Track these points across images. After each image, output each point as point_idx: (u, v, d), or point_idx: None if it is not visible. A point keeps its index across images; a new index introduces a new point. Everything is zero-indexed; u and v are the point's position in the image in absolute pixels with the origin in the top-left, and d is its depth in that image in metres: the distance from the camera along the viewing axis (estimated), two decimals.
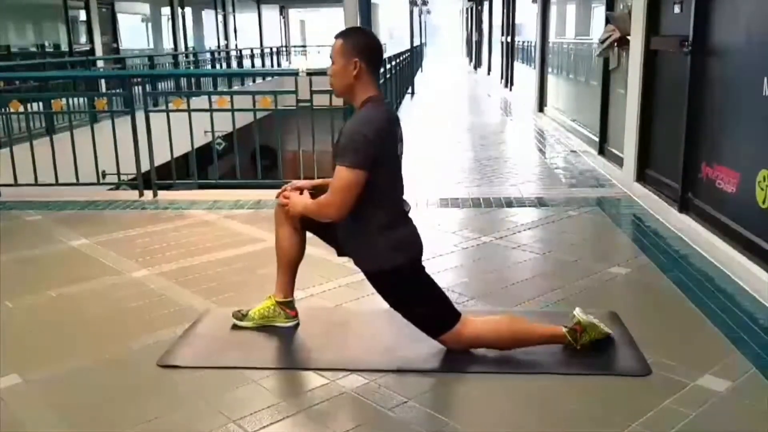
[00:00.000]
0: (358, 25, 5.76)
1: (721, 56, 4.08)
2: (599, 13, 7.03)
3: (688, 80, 4.31)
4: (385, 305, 3.30)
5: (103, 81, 9.72)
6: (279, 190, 2.96)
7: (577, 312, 2.82)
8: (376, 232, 2.69)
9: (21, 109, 6.18)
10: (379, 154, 2.61)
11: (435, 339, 2.76)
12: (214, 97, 6.01)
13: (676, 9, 4.66)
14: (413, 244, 2.78)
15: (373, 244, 2.71)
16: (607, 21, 6.23)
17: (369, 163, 2.58)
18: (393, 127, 2.72)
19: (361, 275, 3.67)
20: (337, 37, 2.73)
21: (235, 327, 3.04)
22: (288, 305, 3.05)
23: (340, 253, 2.95)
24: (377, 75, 2.76)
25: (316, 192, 2.83)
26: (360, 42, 2.69)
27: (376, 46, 2.74)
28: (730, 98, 3.92)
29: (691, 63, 4.28)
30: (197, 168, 6.07)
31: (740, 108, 3.78)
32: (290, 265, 3.01)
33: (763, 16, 3.59)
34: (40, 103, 7.42)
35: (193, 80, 14.57)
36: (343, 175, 2.59)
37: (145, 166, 5.69)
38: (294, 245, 2.97)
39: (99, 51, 16.17)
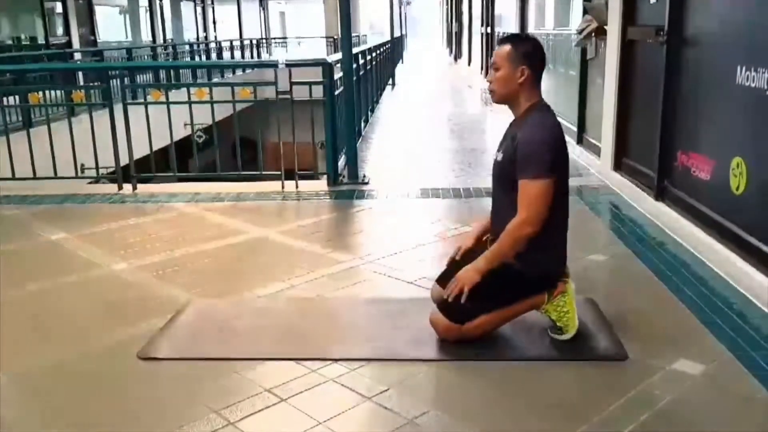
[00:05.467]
0: (344, 17, 5.72)
1: (695, 45, 4.13)
2: (577, 4, 7.06)
3: (663, 69, 4.36)
4: (366, 295, 3.34)
5: (80, 74, 9.58)
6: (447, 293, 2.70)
7: (571, 283, 2.83)
8: (557, 235, 2.72)
9: None
10: (558, 159, 2.62)
11: (454, 323, 2.72)
12: (193, 90, 5.99)
13: None
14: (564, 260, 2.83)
15: (551, 248, 2.73)
16: (585, 11, 6.27)
17: (554, 169, 2.59)
18: (563, 132, 2.72)
19: (343, 265, 3.73)
20: (503, 42, 2.73)
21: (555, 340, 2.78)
22: (549, 289, 2.79)
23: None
24: (540, 80, 2.75)
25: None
26: (528, 49, 2.70)
27: (542, 54, 2.74)
28: (705, 87, 3.97)
29: (667, 52, 4.33)
30: (177, 161, 6.05)
31: (715, 96, 3.83)
32: (511, 310, 2.77)
33: (737, 5, 3.64)
34: (17, 97, 7.33)
35: (172, 73, 14.43)
36: (534, 186, 2.57)
37: (124, 160, 5.66)
38: (489, 315, 2.73)
39: (76, 44, 16.00)
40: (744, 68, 3.39)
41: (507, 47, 2.70)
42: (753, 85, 3.31)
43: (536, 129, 2.63)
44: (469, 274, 2.66)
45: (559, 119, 2.75)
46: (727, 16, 3.74)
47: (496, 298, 2.73)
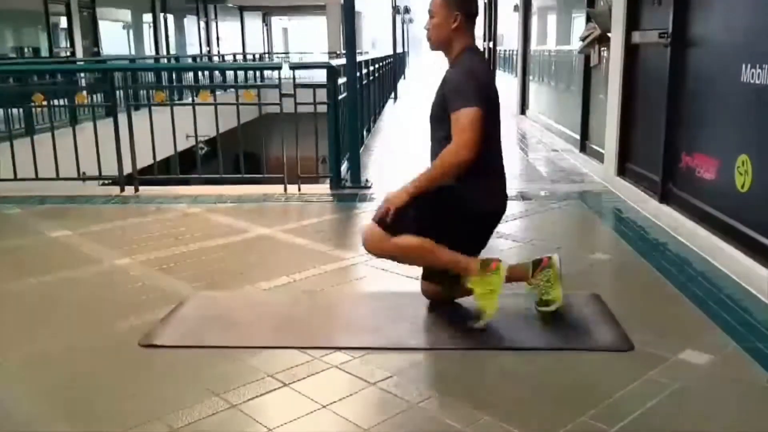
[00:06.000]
0: (348, 24, 5.74)
1: (700, 46, 4.14)
2: (578, 23, 7.11)
3: (667, 72, 4.37)
4: (368, 289, 3.33)
5: (83, 82, 9.62)
6: (374, 216, 2.79)
7: (554, 257, 2.87)
8: (491, 171, 2.79)
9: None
10: (484, 92, 2.70)
11: (386, 231, 2.74)
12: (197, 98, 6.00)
13: (655, 2, 4.72)
14: (506, 195, 2.92)
15: (480, 186, 2.76)
16: (588, 19, 6.31)
17: (483, 103, 2.66)
18: (492, 73, 2.81)
19: (346, 261, 3.72)
20: None
21: (473, 329, 2.74)
22: (484, 265, 2.77)
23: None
24: (473, 27, 2.88)
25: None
26: None
27: (475, 1, 2.88)
28: (709, 86, 3.97)
29: (671, 54, 4.34)
30: (179, 173, 6.07)
31: (719, 95, 3.83)
32: (438, 247, 2.75)
33: (741, 4, 3.66)
34: (21, 110, 7.37)
35: (175, 80, 14.48)
36: (467, 113, 2.63)
37: (127, 166, 5.64)
38: (418, 241, 2.73)
39: (80, 56, 16.07)
40: (749, 66, 3.40)
41: None
42: (758, 82, 3.31)
43: (463, 67, 2.76)
44: (397, 194, 2.72)
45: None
46: (732, 15, 3.76)
47: (430, 221, 2.75)
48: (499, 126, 2.88)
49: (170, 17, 22.25)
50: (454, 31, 2.81)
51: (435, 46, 2.91)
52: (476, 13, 2.90)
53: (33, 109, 7.27)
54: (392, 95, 15.94)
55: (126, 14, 20.33)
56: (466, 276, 2.80)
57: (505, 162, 2.97)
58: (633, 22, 5.12)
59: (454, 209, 2.77)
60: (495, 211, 2.90)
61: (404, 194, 2.71)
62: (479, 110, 2.64)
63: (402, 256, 2.85)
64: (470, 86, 2.67)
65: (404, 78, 24.89)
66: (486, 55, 16.29)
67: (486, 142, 2.69)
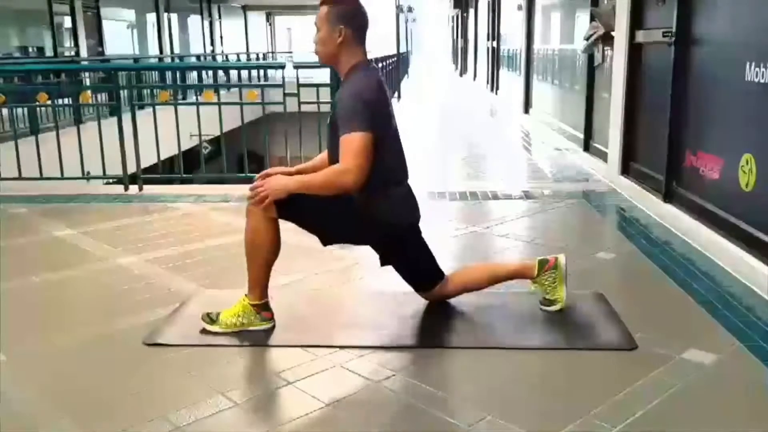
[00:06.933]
0: None
1: (704, 45, 4.13)
2: (582, 22, 7.10)
3: (671, 70, 4.36)
4: (371, 288, 3.33)
5: (87, 82, 9.64)
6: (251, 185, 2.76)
7: (561, 257, 2.92)
8: (382, 187, 2.71)
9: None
10: (378, 115, 2.64)
11: (423, 293, 2.95)
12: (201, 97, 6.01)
13: (660, 1, 4.71)
14: (414, 207, 2.89)
15: (381, 200, 2.73)
16: (592, 18, 6.29)
17: (373, 125, 2.60)
18: (384, 89, 2.75)
19: (347, 262, 3.72)
20: (321, 3, 2.72)
21: (204, 332, 2.76)
22: (264, 307, 2.80)
23: (325, 241, 2.88)
24: (363, 41, 2.76)
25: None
26: (346, 10, 2.69)
27: (360, 13, 2.73)
28: (714, 85, 3.96)
29: (675, 53, 4.33)
30: (183, 173, 6.08)
31: (723, 94, 3.83)
32: (267, 263, 2.77)
33: (745, 2, 3.65)
34: (25, 110, 7.39)
35: (179, 79, 14.49)
36: (354, 138, 2.57)
37: (131, 165, 5.66)
38: (271, 240, 2.74)
39: (84, 56, 16.10)
40: (753, 64, 3.39)
41: (324, 8, 2.70)
42: (763, 80, 3.31)
43: (353, 87, 2.64)
44: (279, 188, 2.63)
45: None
46: (736, 14, 3.75)
47: (417, 255, 2.90)
48: (398, 139, 2.81)
49: (174, 16, 22.27)
50: (340, 46, 2.67)
51: (322, 60, 2.78)
52: (365, 27, 2.75)
53: (37, 109, 7.29)
54: (396, 94, 15.94)
55: (130, 14, 20.37)
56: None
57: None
58: (637, 21, 5.11)
59: (357, 216, 2.75)
60: (398, 223, 2.83)
61: (285, 189, 2.63)
62: (369, 135, 2.57)
63: (470, 288, 2.99)
64: (358, 110, 2.58)
65: (408, 77, 24.90)
66: (489, 54, 16.30)
67: (383, 159, 2.65)
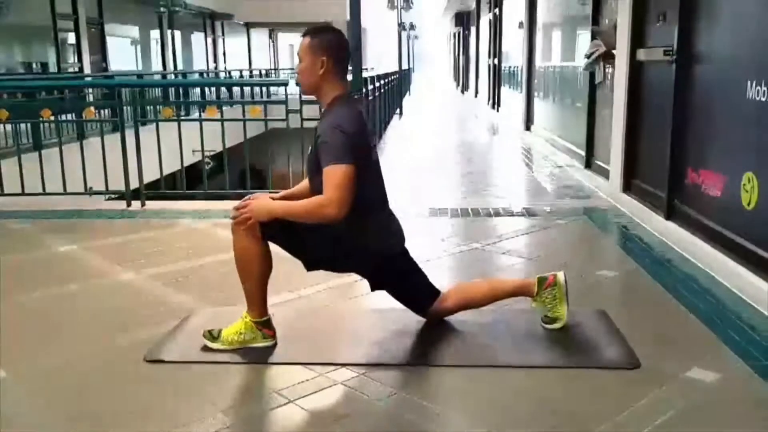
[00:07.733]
0: (355, 36, 5.78)
1: (705, 62, 4.15)
2: (583, 40, 7.14)
3: (673, 88, 4.38)
4: (372, 305, 3.33)
5: (91, 98, 9.70)
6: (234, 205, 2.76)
7: (560, 275, 2.93)
8: (363, 216, 2.70)
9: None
10: (359, 147, 2.65)
11: (420, 313, 2.96)
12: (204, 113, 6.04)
13: (660, 20, 4.74)
14: (396, 232, 2.90)
15: (362, 228, 2.73)
16: (593, 36, 6.33)
17: (355, 157, 2.60)
18: (364, 121, 2.77)
19: (348, 279, 3.71)
20: (304, 35, 2.74)
21: (206, 349, 2.77)
22: (265, 324, 2.81)
23: (308, 266, 2.86)
24: (345, 72, 2.78)
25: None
26: (328, 41, 2.71)
27: (342, 44, 2.76)
28: (715, 103, 3.98)
29: (676, 71, 4.35)
30: (185, 188, 6.10)
31: (725, 112, 3.84)
32: (262, 279, 2.76)
33: (746, 21, 3.67)
34: (28, 126, 7.41)
35: (182, 96, 14.57)
36: (335, 171, 2.57)
37: (134, 181, 5.67)
38: (261, 256, 2.72)
39: (88, 71, 16.19)
40: (754, 83, 3.40)
41: (307, 39, 2.72)
42: (764, 99, 3.32)
43: (335, 119, 2.64)
44: (263, 210, 2.64)
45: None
46: (737, 32, 3.77)
47: (408, 278, 2.92)
48: (379, 170, 2.83)
49: (177, 33, 22.42)
50: (322, 76, 2.69)
51: (305, 90, 2.80)
52: (347, 58, 2.79)
53: (41, 124, 7.31)
54: (398, 111, 16.00)
55: (134, 30, 20.51)
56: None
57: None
58: (638, 40, 5.14)
59: (339, 244, 2.75)
60: (380, 250, 2.83)
61: (267, 212, 2.65)
62: (351, 167, 2.58)
63: (469, 306, 2.99)
64: (340, 142, 2.59)
65: (410, 94, 24.99)
66: (490, 71, 16.37)
67: (364, 190, 2.65)
